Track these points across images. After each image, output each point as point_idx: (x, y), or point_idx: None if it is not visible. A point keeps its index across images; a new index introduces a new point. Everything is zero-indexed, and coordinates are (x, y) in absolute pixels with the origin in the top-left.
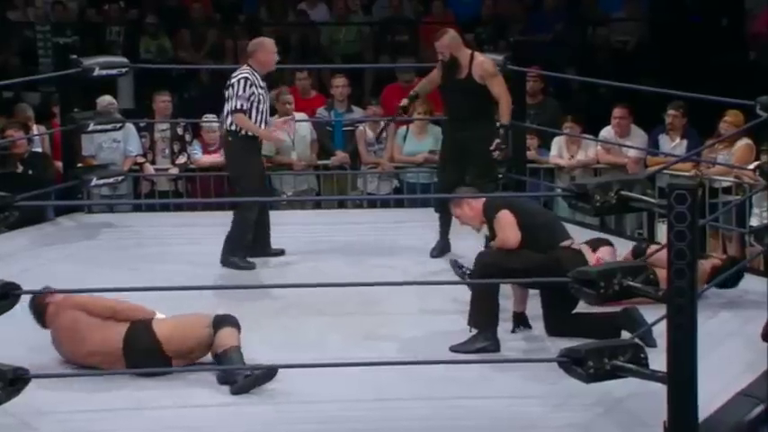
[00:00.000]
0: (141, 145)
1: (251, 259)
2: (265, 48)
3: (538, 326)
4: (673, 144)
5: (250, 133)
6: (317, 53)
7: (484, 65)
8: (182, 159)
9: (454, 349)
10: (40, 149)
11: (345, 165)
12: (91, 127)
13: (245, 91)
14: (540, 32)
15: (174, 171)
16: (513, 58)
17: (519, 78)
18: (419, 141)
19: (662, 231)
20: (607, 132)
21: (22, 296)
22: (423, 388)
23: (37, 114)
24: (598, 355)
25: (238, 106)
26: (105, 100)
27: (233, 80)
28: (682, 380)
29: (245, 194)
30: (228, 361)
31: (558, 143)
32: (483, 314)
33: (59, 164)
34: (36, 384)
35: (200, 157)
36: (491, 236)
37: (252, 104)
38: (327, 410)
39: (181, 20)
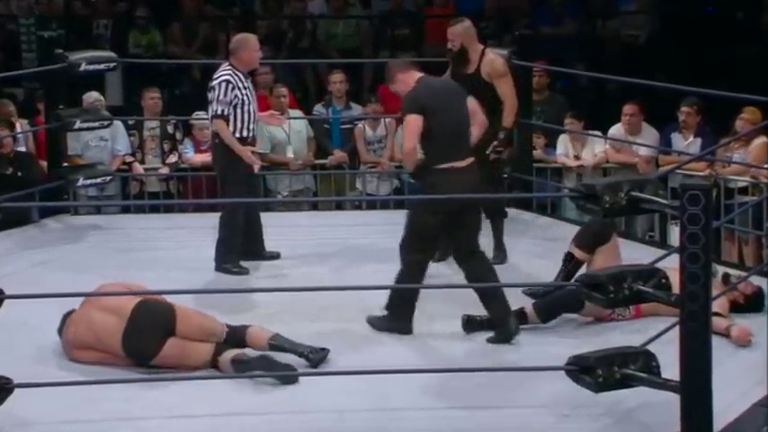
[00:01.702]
0: (130, 143)
1: (245, 263)
2: (248, 45)
3: (544, 332)
4: (686, 142)
5: (237, 135)
6: (314, 48)
7: (494, 62)
8: (172, 158)
9: (370, 320)
10: (23, 148)
11: (343, 164)
12: (77, 125)
13: (226, 95)
14: (547, 26)
15: (165, 171)
16: (519, 52)
17: (524, 74)
18: None
19: (674, 234)
20: (617, 130)
21: (5, 301)
22: (424, 397)
23: (20, 111)
24: (608, 363)
25: (219, 112)
26: (92, 96)
27: (214, 82)
28: (695, 389)
29: (231, 197)
30: (284, 342)
31: (563, 141)
32: (401, 298)
33: (44, 163)
34: (20, 394)
35: (191, 155)
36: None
37: (236, 108)
38: (324, 421)
39: (172, 13)
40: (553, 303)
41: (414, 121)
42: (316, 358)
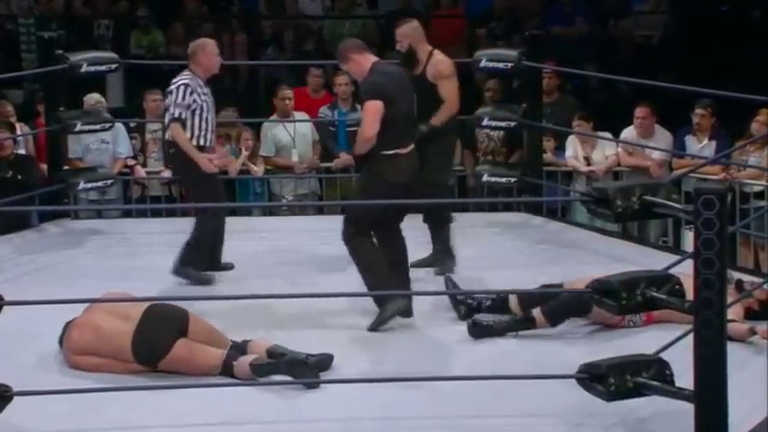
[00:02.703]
0: (131, 146)
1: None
2: (207, 50)
3: (555, 339)
4: (700, 145)
5: (194, 142)
6: (319, 49)
7: (439, 64)
8: None
9: (372, 329)
10: (23, 151)
11: (349, 167)
12: (78, 127)
13: (184, 99)
14: (558, 26)
15: (167, 174)
16: (529, 53)
17: (534, 75)
18: None
19: (688, 239)
20: (629, 133)
21: (4, 307)
22: (431, 406)
23: (20, 113)
24: (620, 372)
25: (176, 115)
26: (93, 98)
27: (172, 86)
28: (710, 398)
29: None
30: (282, 352)
31: (571, 143)
32: (377, 281)
33: (44, 166)
34: (19, 402)
35: None
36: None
37: (193, 113)
38: (329, 429)
39: (174, 13)
40: (561, 307)
41: (377, 107)
42: (314, 362)
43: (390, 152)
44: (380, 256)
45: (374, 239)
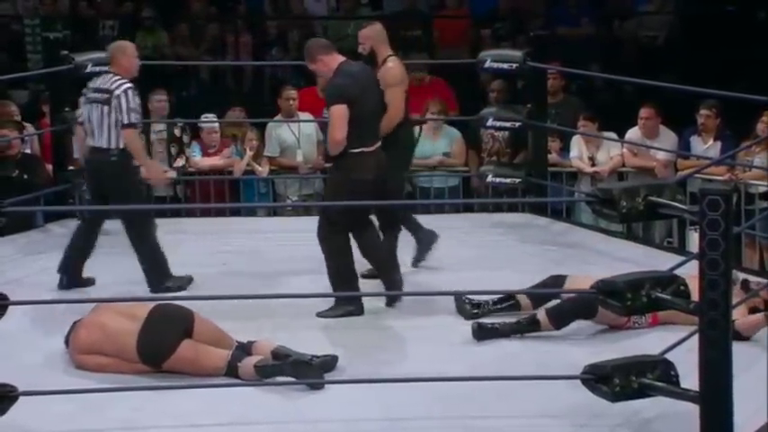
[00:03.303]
0: None
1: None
2: (128, 52)
3: (560, 340)
4: (705, 146)
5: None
6: None
7: (387, 72)
8: (180, 162)
9: (322, 315)
10: (29, 150)
11: None
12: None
13: (133, 102)
14: (563, 27)
15: (172, 174)
16: (533, 54)
17: (539, 76)
18: (433, 143)
19: (693, 240)
20: (634, 133)
21: (9, 307)
22: (435, 406)
23: (25, 113)
24: (625, 372)
25: (133, 119)
26: None
27: (116, 91)
28: (715, 399)
29: (130, 220)
30: (287, 353)
31: (576, 143)
32: (342, 283)
33: (49, 166)
34: (24, 402)
35: (199, 159)
36: None
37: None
38: (334, 429)
39: (179, 13)
40: (566, 310)
41: (342, 112)
42: (319, 363)
43: (356, 150)
44: (351, 259)
45: (349, 238)
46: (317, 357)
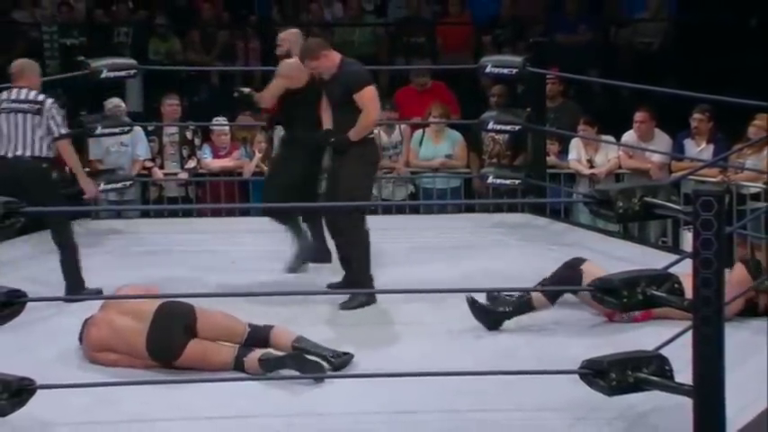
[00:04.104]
0: (150, 149)
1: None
2: (36, 70)
3: (557, 335)
4: (699, 149)
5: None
6: None
7: (285, 63)
8: (191, 164)
9: (345, 307)
10: None
11: None
12: (98, 130)
13: (59, 115)
14: (561, 33)
15: (184, 176)
16: (533, 59)
17: (538, 81)
18: (436, 145)
19: (687, 239)
20: (630, 136)
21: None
22: (437, 400)
23: None
24: (621, 367)
25: (64, 131)
26: (113, 103)
27: (47, 103)
28: (708, 393)
29: (57, 228)
30: (308, 344)
31: (575, 146)
32: (364, 272)
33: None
34: (41, 395)
35: (209, 161)
36: (339, 100)
37: None
38: (339, 423)
39: (191, 21)
40: (555, 283)
41: (375, 93)
42: (338, 362)
43: (371, 135)
44: (369, 248)
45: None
46: (338, 354)
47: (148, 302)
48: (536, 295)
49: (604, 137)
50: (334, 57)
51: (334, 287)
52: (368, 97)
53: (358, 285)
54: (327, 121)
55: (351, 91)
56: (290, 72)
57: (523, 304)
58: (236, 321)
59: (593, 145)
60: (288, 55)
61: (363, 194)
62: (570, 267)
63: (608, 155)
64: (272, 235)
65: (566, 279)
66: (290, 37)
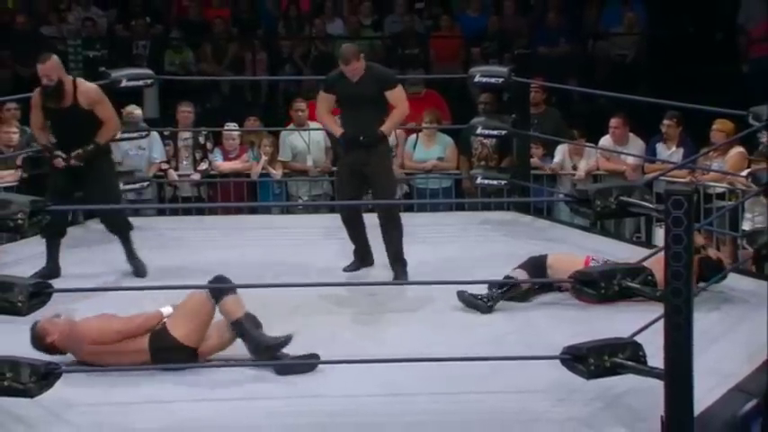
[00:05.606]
0: (165, 152)
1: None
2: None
3: (542, 323)
4: (669, 152)
5: None
6: (331, 65)
7: (89, 92)
8: (203, 166)
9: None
10: None
11: None
12: (118, 135)
13: None
14: (543, 46)
15: (196, 177)
16: (518, 70)
17: (523, 89)
18: (428, 149)
19: (659, 235)
20: (606, 141)
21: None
22: (429, 384)
23: None
24: (599, 353)
25: None
26: (131, 109)
27: None
28: (678, 376)
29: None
30: (244, 332)
31: (561, 152)
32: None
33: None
34: (65, 378)
35: (220, 163)
36: (369, 96)
37: None
38: (335, 405)
39: (203, 35)
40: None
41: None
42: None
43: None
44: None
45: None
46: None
47: (136, 341)
48: (516, 272)
49: (584, 143)
50: (363, 61)
51: (348, 270)
52: (399, 93)
53: (402, 264)
54: (332, 124)
55: (383, 88)
56: (100, 92)
57: (510, 288)
58: (203, 311)
59: (579, 152)
60: (59, 83)
61: (396, 187)
62: (535, 258)
63: (589, 162)
64: (276, 231)
65: (534, 262)
66: (54, 65)
